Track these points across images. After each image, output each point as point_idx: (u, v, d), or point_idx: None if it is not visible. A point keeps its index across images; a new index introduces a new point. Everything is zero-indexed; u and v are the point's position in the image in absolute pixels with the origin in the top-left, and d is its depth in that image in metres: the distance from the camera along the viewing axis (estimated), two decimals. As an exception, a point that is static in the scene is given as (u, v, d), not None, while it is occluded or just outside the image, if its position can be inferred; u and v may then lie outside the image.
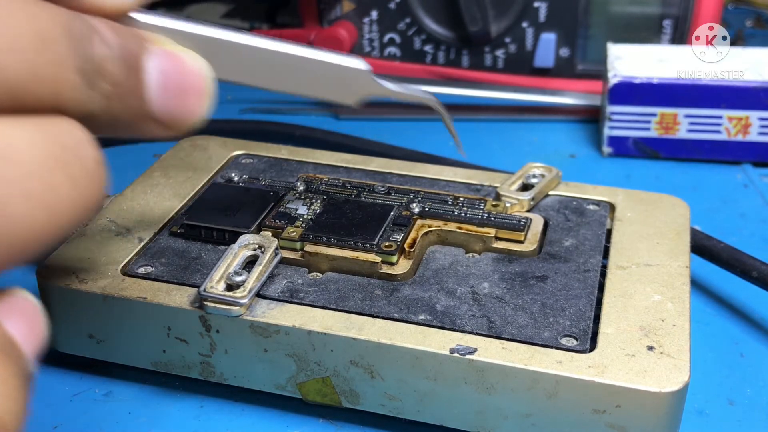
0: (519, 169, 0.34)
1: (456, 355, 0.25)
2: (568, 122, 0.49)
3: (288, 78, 0.25)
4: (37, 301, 0.19)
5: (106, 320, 0.28)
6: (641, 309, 0.27)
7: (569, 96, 0.50)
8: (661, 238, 0.31)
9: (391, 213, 0.31)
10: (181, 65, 0.21)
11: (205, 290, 0.26)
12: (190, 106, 0.21)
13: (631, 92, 0.43)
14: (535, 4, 0.49)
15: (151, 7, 0.22)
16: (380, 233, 0.30)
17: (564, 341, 0.26)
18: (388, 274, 0.28)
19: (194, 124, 0.22)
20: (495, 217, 0.31)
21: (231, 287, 0.27)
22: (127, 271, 0.29)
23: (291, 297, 0.27)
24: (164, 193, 0.33)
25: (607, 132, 0.44)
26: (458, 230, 0.30)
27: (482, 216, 0.31)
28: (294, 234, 0.30)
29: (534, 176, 0.34)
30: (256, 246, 0.28)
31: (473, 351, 0.25)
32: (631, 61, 0.45)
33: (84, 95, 0.18)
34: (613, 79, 0.43)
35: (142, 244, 0.30)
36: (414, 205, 0.32)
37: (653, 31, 0.49)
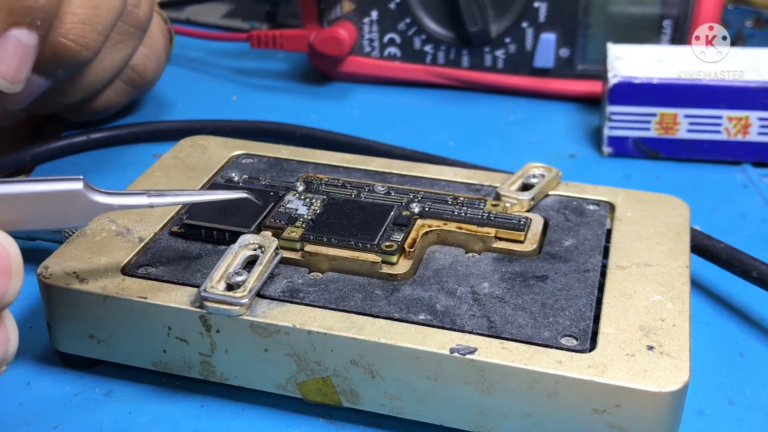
0: (519, 169, 0.34)
1: (456, 354, 0.25)
2: (568, 123, 0.49)
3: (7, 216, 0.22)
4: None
5: (106, 320, 0.28)
6: (641, 309, 0.27)
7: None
8: (660, 238, 0.31)
9: (391, 213, 0.31)
10: None
11: (205, 290, 0.26)
12: None
13: (631, 92, 0.43)
14: (535, 4, 0.49)
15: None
16: (380, 233, 0.30)
17: (564, 341, 0.26)
18: (389, 274, 0.28)
19: (5, 303, 0.21)
20: (495, 217, 0.31)
21: (231, 287, 0.27)
22: (127, 271, 0.29)
23: (291, 297, 0.27)
24: (164, 193, 0.33)
25: (607, 132, 0.44)
26: (458, 230, 0.30)
27: (482, 216, 0.31)
28: (294, 234, 0.30)
29: (534, 176, 0.34)
30: (256, 246, 0.28)
31: (473, 351, 0.25)
32: (630, 61, 0.45)
33: None
34: (613, 80, 0.43)
35: (142, 244, 0.30)
36: (414, 205, 0.32)
37: (653, 32, 0.49)
